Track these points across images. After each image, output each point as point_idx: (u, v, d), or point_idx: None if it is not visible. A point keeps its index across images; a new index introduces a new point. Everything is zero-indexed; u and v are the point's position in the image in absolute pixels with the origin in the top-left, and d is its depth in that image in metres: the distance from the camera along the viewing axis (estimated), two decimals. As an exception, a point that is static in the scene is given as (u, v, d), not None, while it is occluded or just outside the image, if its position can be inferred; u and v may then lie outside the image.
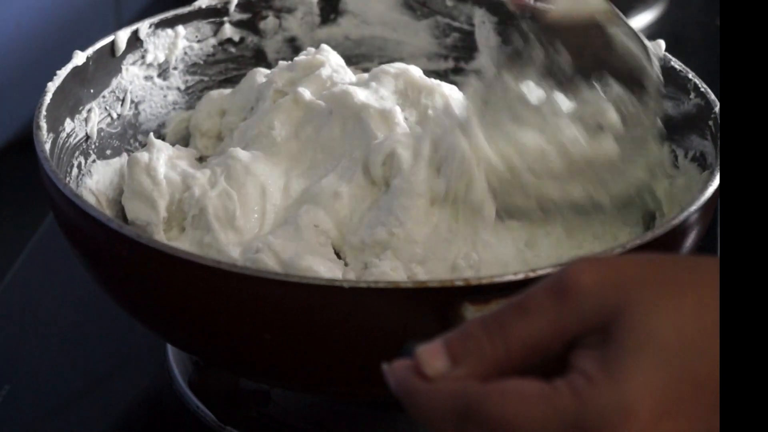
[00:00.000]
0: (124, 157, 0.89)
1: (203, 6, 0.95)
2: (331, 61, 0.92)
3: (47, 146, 0.77)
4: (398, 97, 0.87)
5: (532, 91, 0.82)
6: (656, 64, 0.82)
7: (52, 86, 0.82)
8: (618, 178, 0.81)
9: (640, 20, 1.32)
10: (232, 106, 0.92)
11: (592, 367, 0.53)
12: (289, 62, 0.93)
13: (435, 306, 0.64)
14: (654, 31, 1.29)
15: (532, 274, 0.65)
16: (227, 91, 0.94)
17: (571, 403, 0.52)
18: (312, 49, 0.94)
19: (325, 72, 0.90)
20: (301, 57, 0.92)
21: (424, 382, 0.55)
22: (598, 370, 0.52)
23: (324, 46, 0.94)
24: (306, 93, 0.87)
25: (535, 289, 0.55)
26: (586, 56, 0.83)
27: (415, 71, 0.89)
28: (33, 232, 0.99)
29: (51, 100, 0.81)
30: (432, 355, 0.55)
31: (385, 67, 0.89)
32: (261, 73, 0.93)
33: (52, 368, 0.88)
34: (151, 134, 0.87)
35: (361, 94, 0.85)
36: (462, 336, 0.55)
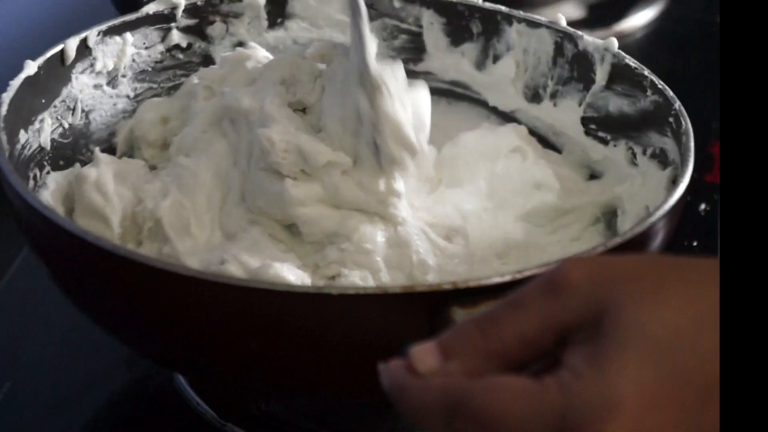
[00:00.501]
0: (77, 167, 0.87)
1: (150, 12, 0.93)
2: (258, 55, 0.91)
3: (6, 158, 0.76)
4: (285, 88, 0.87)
5: None
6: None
7: (6, 97, 0.80)
8: None
9: (641, 18, 1.32)
10: (173, 112, 0.91)
11: (580, 362, 0.53)
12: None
13: (424, 310, 0.64)
14: (654, 29, 1.30)
15: (518, 276, 0.65)
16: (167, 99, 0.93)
17: (557, 397, 0.52)
18: (240, 48, 0.93)
19: (249, 64, 0.89)
20: (227, 54, 0.92)
21: (414, 378, 0.55)
22: (585, 365, 0.52)
23: (251, 43, 0.94)
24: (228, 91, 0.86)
25: (527, 287, 0.56)
26: None
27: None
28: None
29: (7, 111, 0.79)
30: (424, 353, 0.56)
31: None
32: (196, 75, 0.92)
33: (52, 365, 0.88)
34: (97, 149, 0.86)
35: (245, 100, 0.84)
36: (454, 333, 0.56)
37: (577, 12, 0.95)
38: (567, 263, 0.55)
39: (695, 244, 0.93)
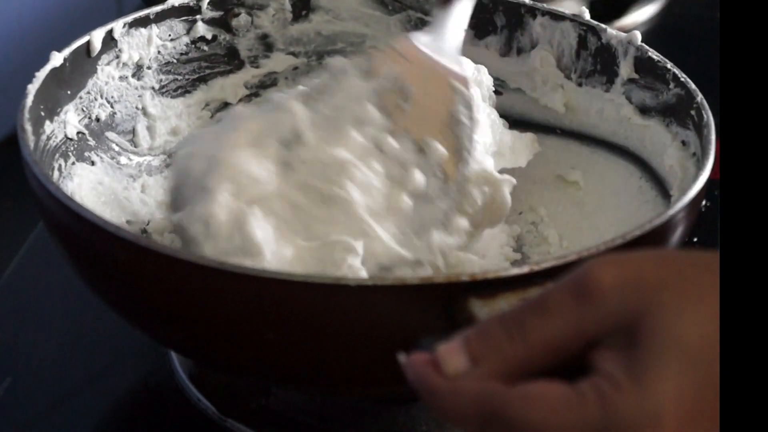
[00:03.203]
0: (104, 159, 0.88)
1: (176, 4, 0.94)
2: None
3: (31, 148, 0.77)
4: None
5: None
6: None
7: (32, 88, 0.81)
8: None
9: (642, 14, 1.33)
10: None
11: (618, 371, 0.52)
12: None
13: (441, 301, 0.64)
14: (654, 25, 1.30)
15: (536, 268, 0.65)
16: None
17: (597, 409, 0.52)
18: None
19: None
20: None
21: (445, 381, 0.55)
22: (625, 376, 0.52)
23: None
24: None
25: (555, 288, 0.55)
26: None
27: None
28: (35, 224, 0.99)
29: (32, 102, 0.80)
30: (451, 354, 0.55)
31: None
32: None
33: (53, 360, 0.88)
34: None
35: None
36: (481, 335, 0.55)
37: (577, 8, 0.94)
38: (595, 266, 0.55)
39: (695, 240, 0.94)
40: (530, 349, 0.54)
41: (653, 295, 0.53)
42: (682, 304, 0.53)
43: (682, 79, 0.85)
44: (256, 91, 0.99)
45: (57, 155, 0.83)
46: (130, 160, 0.91)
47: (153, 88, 0.94)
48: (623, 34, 0.90)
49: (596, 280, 0.54)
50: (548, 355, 0.54)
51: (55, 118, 0.84)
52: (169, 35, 0.94)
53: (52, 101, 0.84)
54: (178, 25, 0.95)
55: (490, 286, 0.64)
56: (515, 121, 0.95)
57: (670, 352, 0.52)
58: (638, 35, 0.90)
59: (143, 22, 0.92)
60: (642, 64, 0.89)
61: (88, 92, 0.88)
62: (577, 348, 0.54)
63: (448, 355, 0.55)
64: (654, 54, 0.88)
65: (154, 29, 0.93)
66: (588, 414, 0.52)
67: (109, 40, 0.89)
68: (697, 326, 0.53)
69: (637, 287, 0.54)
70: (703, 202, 0.78)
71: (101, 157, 0.88)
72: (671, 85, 0.86)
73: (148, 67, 0.93)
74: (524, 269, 0.65)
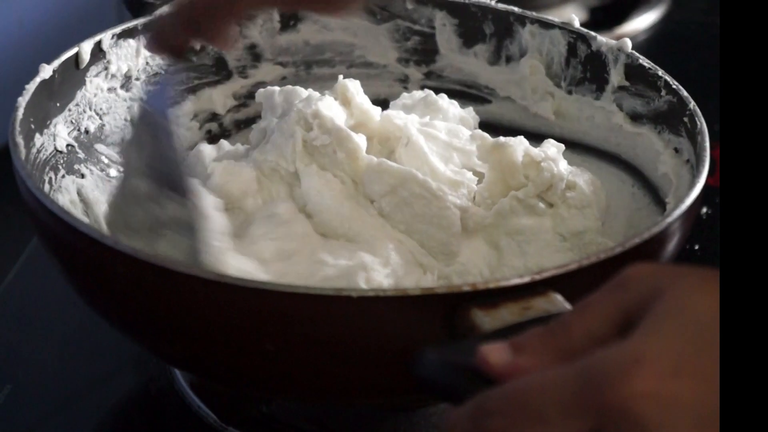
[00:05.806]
0: (94, 171, 0.87)
1: (164, 15, 0.93)
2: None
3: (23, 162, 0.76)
4: None
5: None
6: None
7: (22, 101, 0.80)
8: None
9: (643, 21, 1.33)
10: None
11: (608, 333, 0.54)
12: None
13: (443, 312, 0.64)
14: (656, 32, 1.30)
15: (537, 277, 0.65)
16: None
17: (579, 364, 0.52)
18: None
19: None
20: None
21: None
22: (614, 334, 0.54)
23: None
24: None
25: (595, 292, 0.56)
26: None
27: None
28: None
29: (23, 115, 0.79)
30: (494, 349, 0.55)
31: None
32: None
33: (53, 368, 0.88)
34: None
35: None
36: (524, 335, 0.56)
37: (578, 15, 0.94)
38: (632, 265, 0.56)
39: (697, 247, 0.94)
40: (572, 339, 0.55)
41: (677, 277, 0.55)
42: (700, 284, 0.54)
43: (674, 86, 0.85)
44: (245, 101, 0.99)
45: (47, 168, 0.83)
46: (120, 172, 0.91)
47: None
48: (613, 42, 0.90)
49: (631, 272, 0.56)
50: (590, 346, 0.54)
51: (45, 130, 0.83)
52: (157, 46, 0.93)
53: (41, 114, 0.83)
54: (166, 36, 0.94)
55: (491, 296, 0.64)
56: (506, 130, 0.95)
57: (671, 315, 0.53)
58: (628, 42, 0.90)
59: (131, 33, 0.91)
60: (633, 71, 0.89)
61: (77, 104, 0.87)
62: (613, 331, 0.55)
63: (490, 349, 0.55)
64: (645, 61, 0.88)
65: (143, 40, 0.92)
66: (569, 370, 0.52)
67: (98, 52, 0.89)
68: (709, 303, 0.53)
69: (666, 272, 0.55)
70: (704, 210, 0.78)
71: (91, 170, 0.88)
72: (663, 92, 0.86)
73: (137, 79, 0.92)
74: (525, 278, 0.65)
